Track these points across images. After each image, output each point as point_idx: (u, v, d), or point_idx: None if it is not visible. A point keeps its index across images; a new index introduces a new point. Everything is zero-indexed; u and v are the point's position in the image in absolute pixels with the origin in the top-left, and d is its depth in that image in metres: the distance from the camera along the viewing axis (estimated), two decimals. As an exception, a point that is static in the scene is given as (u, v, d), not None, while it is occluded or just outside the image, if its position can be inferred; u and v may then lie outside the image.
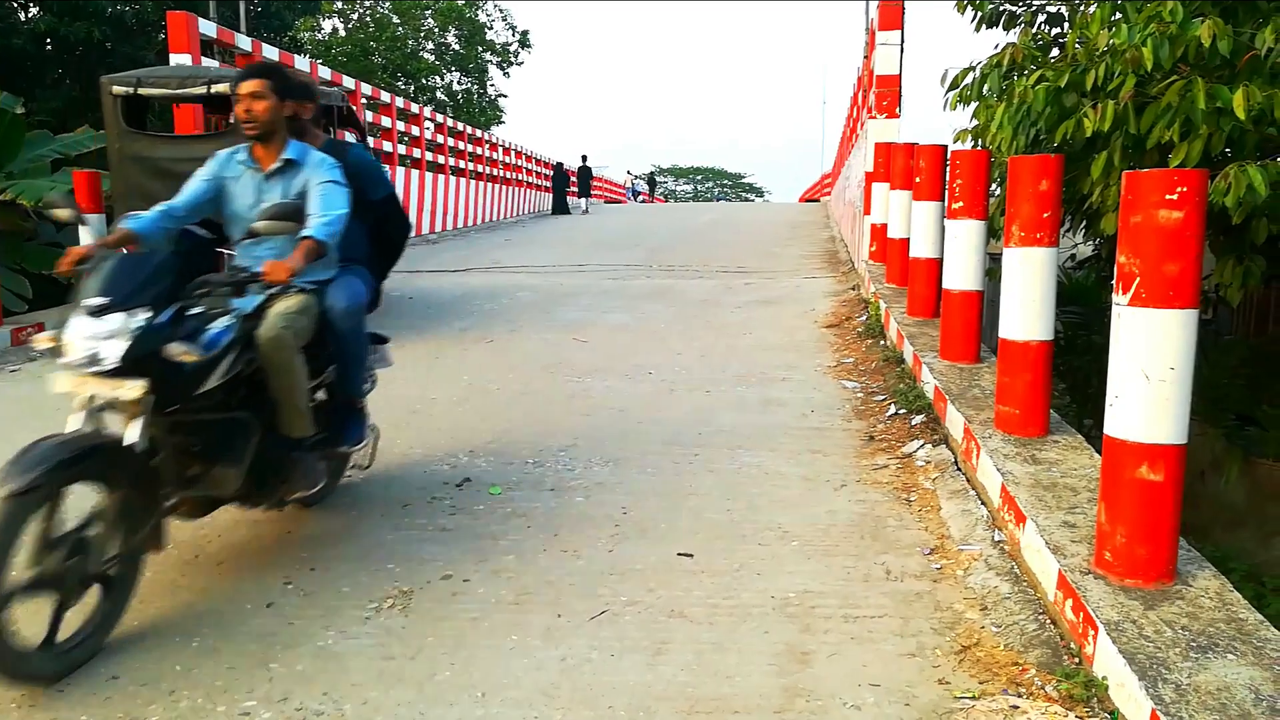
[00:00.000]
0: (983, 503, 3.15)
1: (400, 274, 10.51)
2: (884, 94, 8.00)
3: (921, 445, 3.86)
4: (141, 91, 6.48)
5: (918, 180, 5.56)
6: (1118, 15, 4.87)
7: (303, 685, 2.25)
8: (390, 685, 2.25)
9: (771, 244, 13.93)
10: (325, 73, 12.31)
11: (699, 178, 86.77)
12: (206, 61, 9.08)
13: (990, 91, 5.21)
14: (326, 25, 28.70)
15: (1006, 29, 6.54)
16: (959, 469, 3.53)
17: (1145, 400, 2.24)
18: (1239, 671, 1.90)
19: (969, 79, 5.31)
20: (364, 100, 13.47)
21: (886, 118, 8.01)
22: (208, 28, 9.16)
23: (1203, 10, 4.42)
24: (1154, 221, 2.22)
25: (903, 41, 7.90)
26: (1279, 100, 3.85)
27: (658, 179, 66.87)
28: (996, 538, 2.86)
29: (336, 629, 2.52)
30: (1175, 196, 2.20)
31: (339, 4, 28.27)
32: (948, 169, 5.63)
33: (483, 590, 2.73)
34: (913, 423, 4.16)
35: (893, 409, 4.40)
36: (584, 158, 27.04)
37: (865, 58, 10.00)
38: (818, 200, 38.04)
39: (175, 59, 8.69)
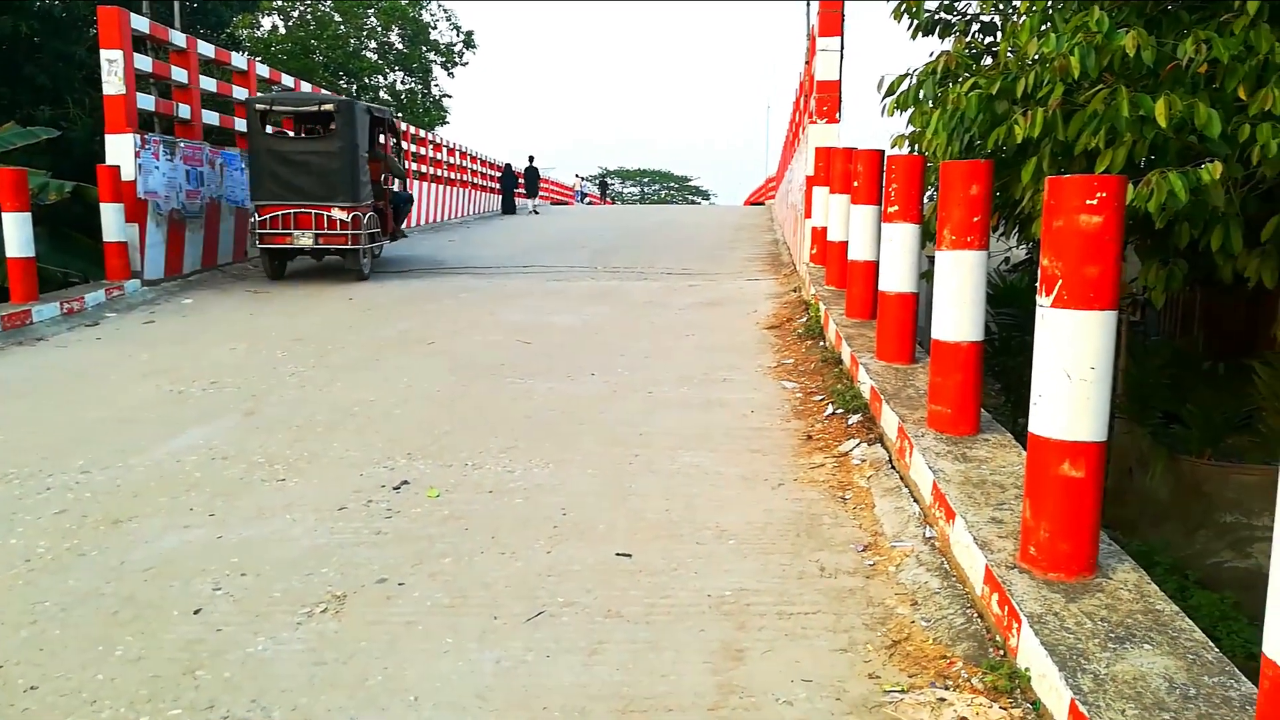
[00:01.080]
0: (915, 500, 3.21)
1: (341, 274, 10.36)
2: (824, 99, 8.11)
3: (857, 444, 3.91)
4: (275, 108, 9.68)
5: (856, 184, 5.65)
6: (1046, 25, 5.01)
7: (230, 693, 2.21)
8: (321, 691, 2.21)
9: (716, 247, 14.02)
10: (263, 70, 12.08)
11: (646, 180, 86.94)
12: (140, 57, 8.84)
13: (925, 98, 5.31)
14: (266, 23, 28.15)
15: (942, 37, 6.68)
16: (893, 467, 3.59)
17: (1067, 399, 2.31)
18: (1155, 661, 1.96)
19: (905, 85, 5.41)
20: (304, 98, 13.22)
21: (827, 122, 8.12)
22: (140, 23, 8.92)
23: (1128, 21, 4.57)
24: (1075, 226, 2.29)
25: (842, 47, 8.02)
26: (1199, 110, 3.99)
27: (590, 178, 66.82)
28: (928, 534, 2.92)
29: (266, 635, 2.47)
30: (1095, 201, 2.27)
31: (278, 1, 27.72)
32: (885, 174, 5.75)
33: (418, 593, 2.70)
34: (849, 422, 4.22)
35: (830, 409, 4.46)
36: (531, 159, 27.35)
37: (806, 63, 10.12)
38: (762, 203, 38.41)
39: (106, 55, 8.45)
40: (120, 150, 8.48)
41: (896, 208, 4.51)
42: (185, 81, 9.72)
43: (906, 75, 5.41)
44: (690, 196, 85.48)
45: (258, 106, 9.36)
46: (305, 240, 9.26)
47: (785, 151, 19.70)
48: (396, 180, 11.33)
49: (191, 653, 2.39)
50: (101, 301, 7.90)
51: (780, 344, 6.19)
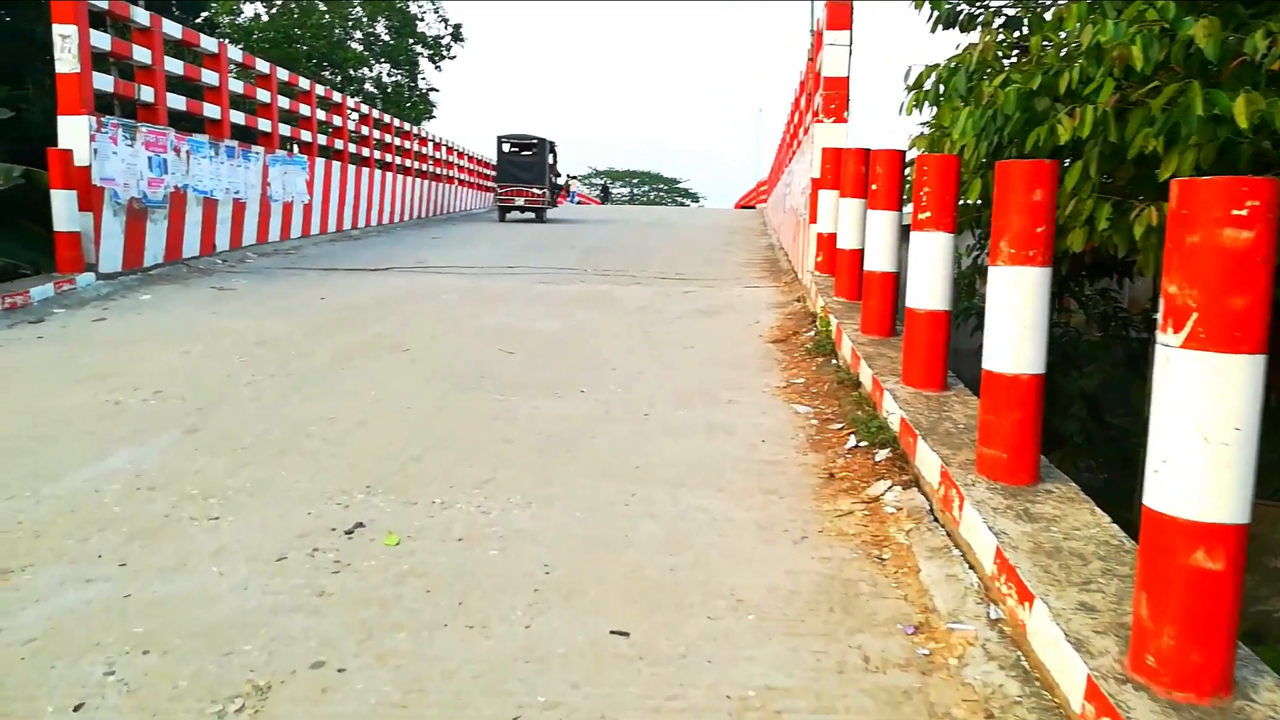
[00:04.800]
0: (970, 566, 2.68)
1: (314, 271, 9.79)
2: (832, 96, 7.60)
3: (889, 487, 3.39)
4: (509, 138, 21.10)
5: (874, 188, 5.13)
6: (1093, 14, 4.51)
7: (97, 843, 1.65)
8: (220, 841, 1.66)
9: (710, 250, 13.51)
10: (236, 54, 11.46)
11: (636, 181, 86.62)
12: (97, 33, 8.23)
13: (954, 92, 4.80)
14: (248, 9, 27.43)
15: (964, 30, 6.18)
16: (936, 520, 3.06)
17: (1202, 467, 1.78)
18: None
19: (932, 78, 4.89)
20: (280, 85, 12.63)
21: (834, 122, 7.61)
22: (99, -2, 8.32)
23: (1190, 10, 4.08)
24: (1216, 243, 1.77)
25: (851, 42, 7.51)
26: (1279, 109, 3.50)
27: (595, 181, 66.48)
28: (993, 615, 2.39)
29: (161, 747, 1.92)
30: (1244, 212, 1.75)
31: (263, -14, 27.02)
32: (907, 176, 5.23)
33: (362, 685, 2.15)
34: (877, 458, 3.70)
35: (853, 440, 3.94)
36: None
37: (810, 60, 9.61)
38: (753, 207, 37.94)
39: (59, 30, 7.84)
40: (73, 133, 7.87)
41: (929, 214, 3.99)
42: (149, 62, 9.11)
43: (935, 67, 4.89)
44: (680, 198, 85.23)
45: (501, 137, 21.10)
46: (519, 201, 20.53)
47: (780, 153, 19.20)
48: (557, 179, 23.57)
49: (59, 774, 1.84)
50: (50, 296, 7.29)
51: (788, 360, 5.66)
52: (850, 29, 7.42)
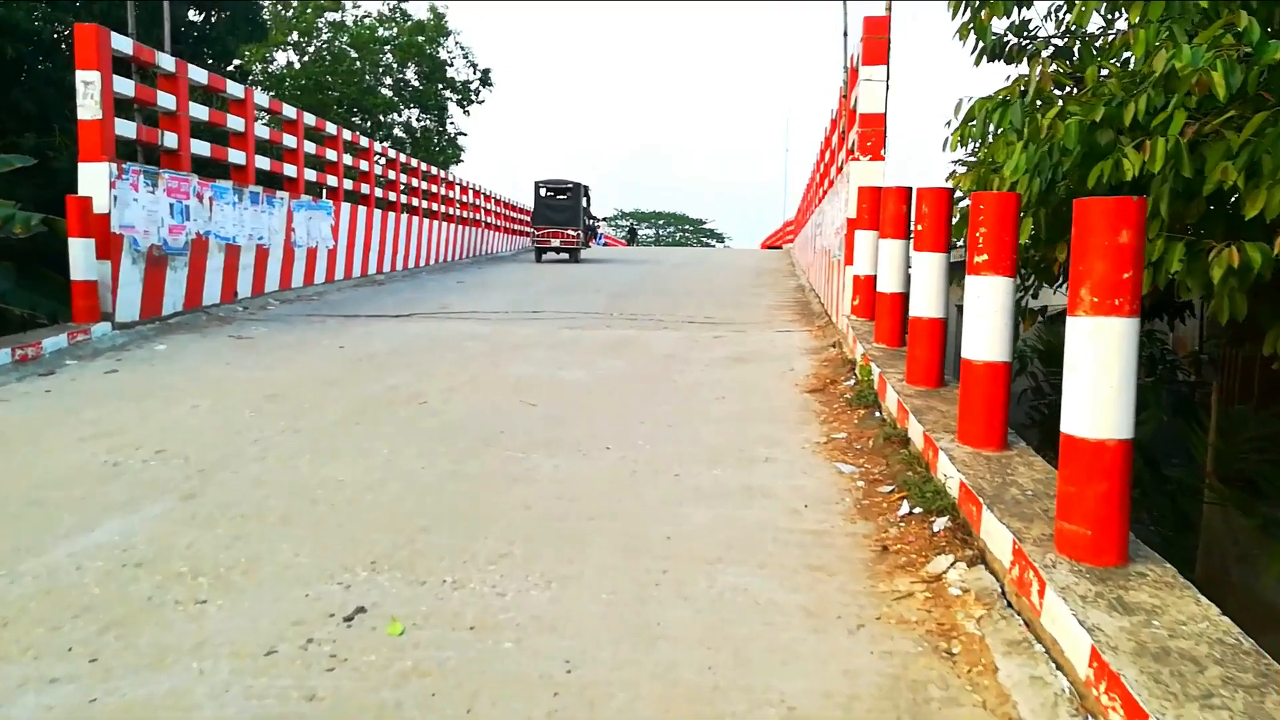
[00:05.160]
0: (1058, 666, 2.31)
1: (335, 318, 9.59)
2: (868, 134, 7.32)
3: (952, 563, 3.02)
4: (547, 183, 22.51)
5: (919, 228, 4.81)
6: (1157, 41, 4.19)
7: None
8: None
9: (739, 292, 13.22)
10: (262, 100, 11.42)
11: (661, 222, 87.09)
12: (120, 79, 8.16)
13: (1008, 127, 4.48)
14: (280, 58, 27.81)
15: (1009, 62, 5.89)
16: (1010, 605, 2.69)
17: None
18: None
19: (982, 112, 4.58)
20: (307, 130, 12.58)
21: (870, 159, 7.32)
22: (123, 43, 8.25)
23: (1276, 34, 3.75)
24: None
25: (888, 78, 7.24)
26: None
27: (621, 223, 66.76)
28: (1095, 735, 2.02)
29: None
30: None
31: (293, 36, 27.40)
32: (953, 216, 4.91)
33: (347, 825, 1.82)
34: (935, 528, 3.33)
35: (906, 506, 3.57)
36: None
37: (843, 96, 9.37)
38: (779, 247, 37.71)
39: (82, 76, 7.76)
40: (93, 180, 7.76)
41: (986, 257, 3.66)
42: (173, 108, 9.03)
43: (988, 100, 4.58)
44: (705, 239, 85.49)
45: (539, 181, 22.55)
46: (555, 243, 22.09)
47: (808, 193, 18.97)
48: (590, 221, 24.98)
49: None
50: (63, 347, 7.11)
51: (826, 412, 5.31)
52: (887, 64, 7.16)
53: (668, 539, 3.36)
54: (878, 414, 5.01)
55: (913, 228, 4.85)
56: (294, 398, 5.75)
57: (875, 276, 7.05)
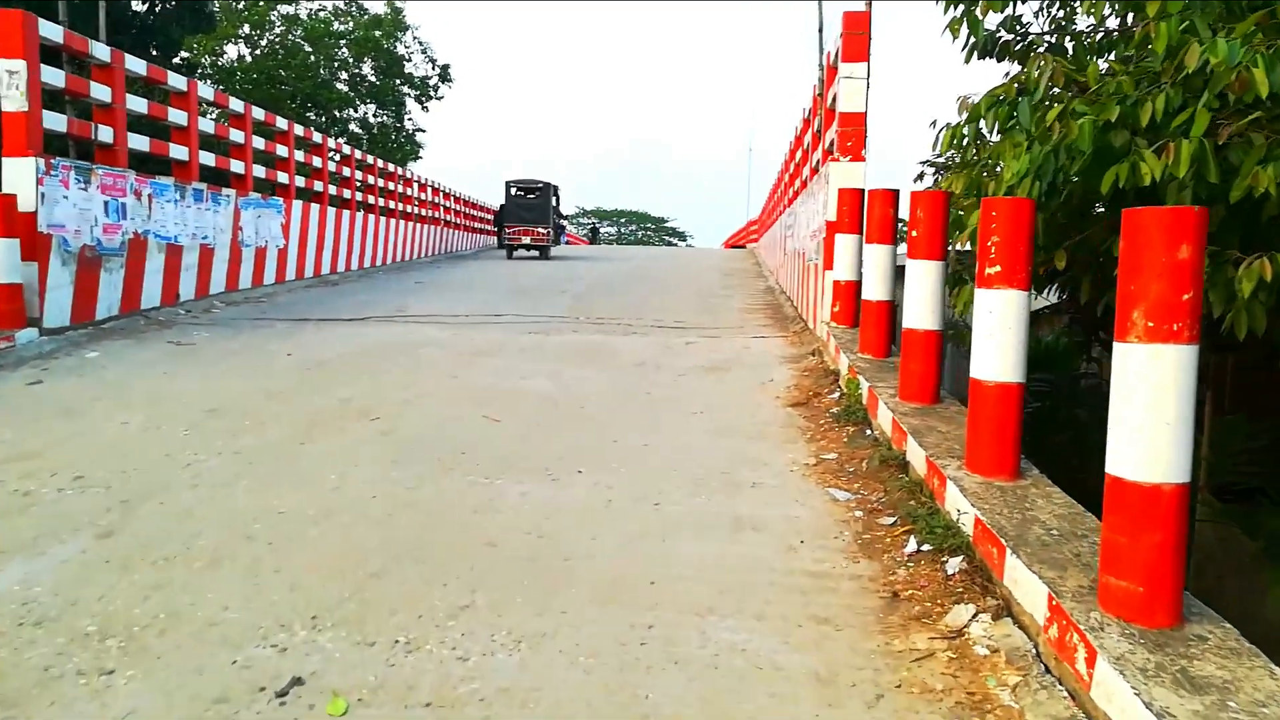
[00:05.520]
0: (1121, 756, 1.97)
1: (284, 322, 9.07)
2: (848, 133, 7.01)
3: (974, 615, 2.68)
4: (517, 183, 23.72)
5: (913, 234, 4.49)
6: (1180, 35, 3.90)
7: None
8: None
9: (708, 295, 12.90)
10: (207, 92, 10.83)
11: (623, 220, 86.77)
12: (49, 68, 7.59)
13: (1015, 126, 4.17)
14: (231, 51, 26.95)
15: (1001, 59, 5.60)
16: (1048, 670, 2.36)
17: None
18: None
19: (989, 110, 4.26)
20: (254, 125, 12.01)
21: (851, 160, 7.01)
22: (52, 31, 7.67)
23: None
24: None
25: (869, 75, 6.94)
26: None
27: (584, 221, 66.30)
28: None
29: None
30: None
31: (245, 29, 26.56)
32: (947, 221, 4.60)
33: None
34: (948, 569, 2.99)
35: (913, 543, 3.23)
36: (503, 206, 29.44)
37: (818, 95, 9.07)
38: (743, 246, 37.53)
39: (5, 65, 7.18)
40: (18, 176, 7.18)
41: (998, 269, 3.33)
42: (108, 100, 8.45)
43: (996, 95, 4.27)
44: (667, 237, 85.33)
45: (510, 180, 23.42)
46: (526, 240, 22.83)
47: (774, 193, 18.72)
48: (559, 220, 25.62)
49: None
50: (-17, 355, 6.55)
51: (813, 429, 4.97)
52: (868, 61, 6.86)
53: (652, 584, 2.99)
54: (869, 432, 4.68)
55: (907, 233, 4.52)
56: (235, 413, 5.29)
57: (857, 282, 6.75)
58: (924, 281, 4.48)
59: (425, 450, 4.55)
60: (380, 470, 4.21)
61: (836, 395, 5.48)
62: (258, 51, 27.16)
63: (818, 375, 6.24)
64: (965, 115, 4.39)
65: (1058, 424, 7.62)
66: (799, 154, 11.77)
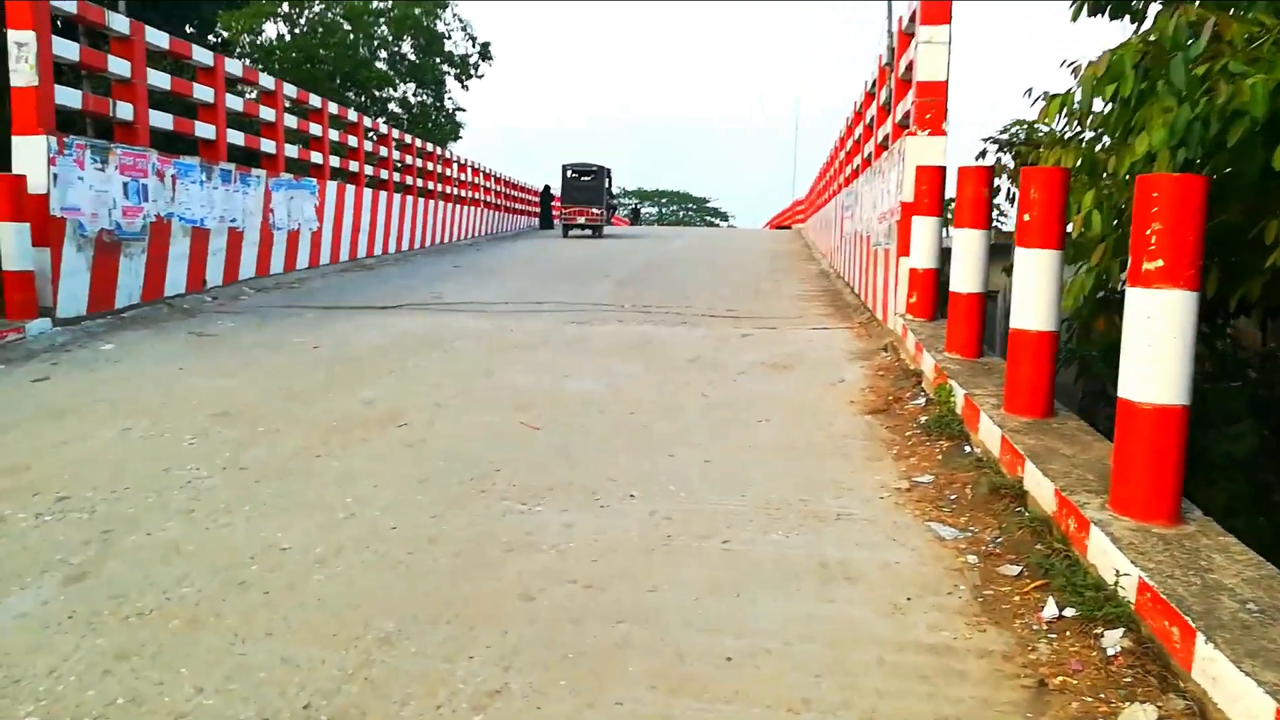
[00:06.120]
0: None
1: (314, 310, 8.58)
2: (926, 104, 6.28)
3: (1159, 722, 2.04)
4: (574, 166, 25.61)
5: (1026, 218, 3.80)
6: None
7: None
8: None
9: (758, 279, 12.23)
10: (235, 68, 10.35)
11: (664, 200, 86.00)
12: (62, 41, 7.12)
13: (1166, 87, 3.46)
14: (270, 29, 26.61)
15: (1115, 17, 4.86)
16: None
17: None
18: None
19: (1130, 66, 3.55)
20: (287, 103, 11.53)
21: (930, 134, 6.29)
22: (64, 2, 7.19)
23: None
24: None
25: (950, 39, 6.20)
26: None
27: (625, 202, 65.62)
28: None
29: None
30: None
31: (284, 7, 26.17)
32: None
33: None
34: (1107, 647, 2.35)
35: (1052, 606, 2.59)
36: (546, 187, 29.70)
37: (884, 65, 8.33)
38: (788, 227, 36.58)
39: (14, 36, 6.73)
40: (29, 156, 6.74)
41: (1160, 263, 2.66)
42: (127, 75, 7.98)
43: (1128, 50, 3.56)
44: (709, 218, 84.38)
45: (566, 164, 25.16)
46: (581, 220, 24.56)
47: (826, 171, 17.91)
48: (611, 200, 27.34)
49: None
50: (-11, 349, 6.12)
51: (898, 442, 4.32)
52: (950, 23, 6.13)
53: (728, 661, 2.38)
54: (968, 449, 4.02)
55: (1019, 217, 3.83)
56: (248, 417, 4.77)
57: (936, 270, 6.06)
58: (1038, 274, 3.79)
59: (455, 465, 3.98)
60: (402, 492, 3.65)
61: (922, 401, 4.82)
62: (296, 30, 26.81)
63: (896, 376, 5.57)
64: (1103, 74, 3.68)
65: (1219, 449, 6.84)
66: (859, 129, 11.01)
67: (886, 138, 8.22)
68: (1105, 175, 4.50)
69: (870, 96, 9.77)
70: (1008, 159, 19.40)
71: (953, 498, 3.56)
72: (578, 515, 3.42)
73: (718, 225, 76.37)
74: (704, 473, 3.92)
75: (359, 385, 5.51)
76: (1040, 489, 3.17)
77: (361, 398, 5.20)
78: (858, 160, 10.97)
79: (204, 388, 5.45)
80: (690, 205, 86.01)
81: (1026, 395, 3.86)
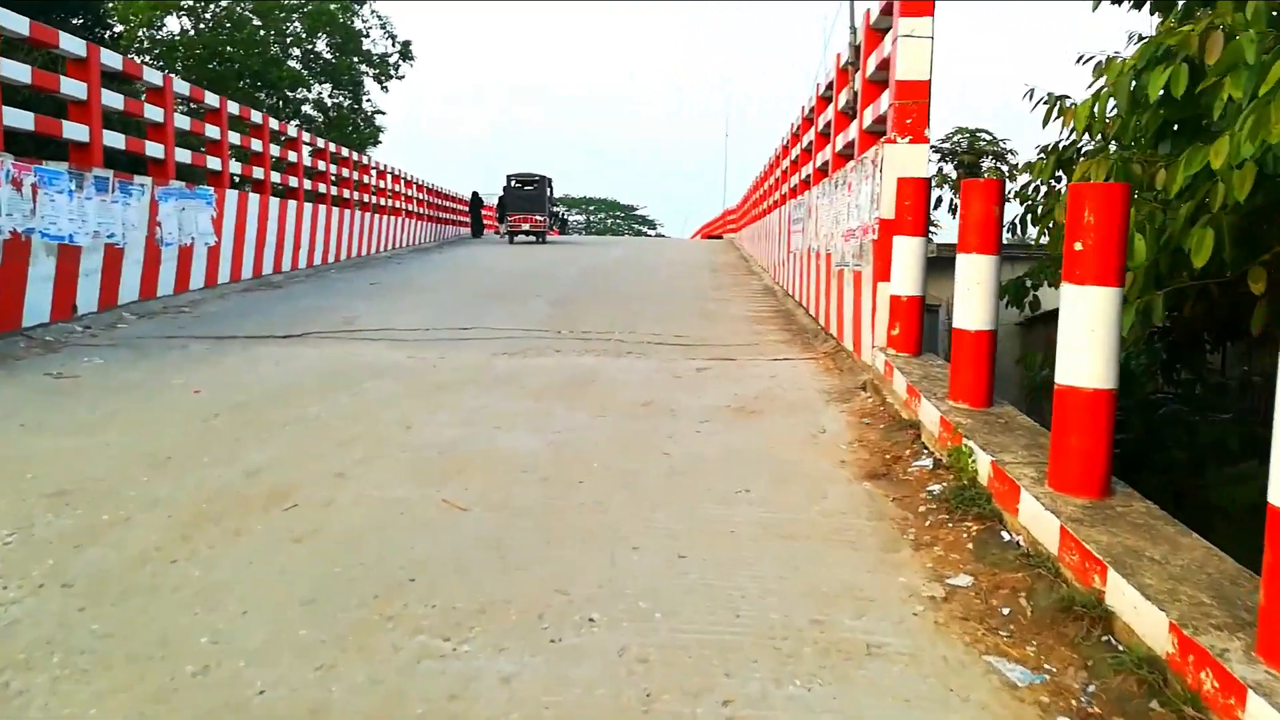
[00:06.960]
0: None
1: (202, 342, 7.45)
2: (907, 108, 5.54)
3: None
4: (515, 176, 27.18)
5: (1077, 248, 3.03)
6: None
7: None
8: None
9: (702, 297, 11.45)
10: (113, 61, 9.09)
11: (592, 208, 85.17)
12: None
13: (1247, 86, 2.72)
14: (172, 23, 24.90)
15: (1140, 6, 4.17)
16: None
17: None
18: None
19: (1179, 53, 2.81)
20: (180, 100, 10.32)
21: (911, 142, 5.54)
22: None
23: None
24: None
25: (933, 34, 5.47)
26: None
27: (566, 218, 64.60)
28: None
29: None
30: None
31: (186, 0, 24.51)
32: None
33: None
34: None
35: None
36: (475, 194, 29.73)
37: (847, 65, 7.60)
38: (719, 236, 36.03)
39: None
40: None
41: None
42: (-29, 66, 6.77)
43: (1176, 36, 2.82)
44: (637, 226, 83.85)
45: (509, 175, 26.59)
46: (525, 227, 25.89)
47: (764, 180, 17.27)
48: (554, 208, 28.95)
49: None
50: None
51: (912, 521, 3.51)
52: (933, 15, 5.40)
53: None
54: (1004, 535, 3.24)
55: (1066, 246, 3.06)
56: (94, 497, 3.74)
57: (921, 298, 5.32)
58: (1094, 315, 3.03)
59: (354, 573, 3.04)
60: (280, 624, 2.70)
61: (929, 463, 4.04)
62: (201, 25, 25.12)
63: (887, 425, 4.79)
64: (1111, 75, 2.95)
65: (1153, 465, 6.26)
66: (809, 136, 10.30)
67: (849, 145, 7.49)
68: (1143, 191, 3.80)
69: (824, 100, 9.05)
70: (950, 168, 19.04)
71: (1006, 612, 2.76)
72: (520, 658, 2.52)
73: (647, 234, 75.82)
74: (680, 577, 3.05)
75: (244, 445, 4.51)
76: (1142, 618, 2.38)
77: (245, 465, 4.20)
78: (808, 170, 10.26)
79: (45, 453, 4.38)
80: (618, 213, 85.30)
81: (1079, 469, 3.09)
